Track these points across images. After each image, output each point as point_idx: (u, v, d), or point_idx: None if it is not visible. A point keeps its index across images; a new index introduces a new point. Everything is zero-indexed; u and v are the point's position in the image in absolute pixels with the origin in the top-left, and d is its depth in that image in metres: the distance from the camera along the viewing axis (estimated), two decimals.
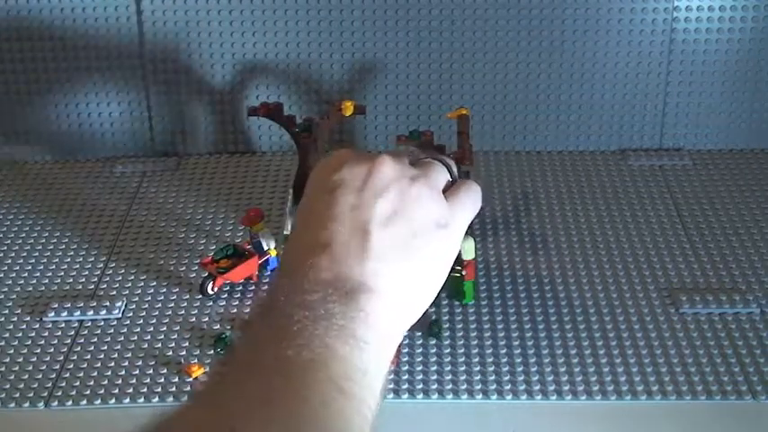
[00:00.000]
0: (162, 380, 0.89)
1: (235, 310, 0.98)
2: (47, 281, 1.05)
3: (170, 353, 0.92)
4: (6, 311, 0.99)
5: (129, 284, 1.03)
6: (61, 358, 0.92)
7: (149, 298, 1.01)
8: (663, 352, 0.91)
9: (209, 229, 1.14)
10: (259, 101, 1.25)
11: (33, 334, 0.95)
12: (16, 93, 1.29)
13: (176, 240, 1.11)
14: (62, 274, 1.06)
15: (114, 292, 1.02)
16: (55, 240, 1.12)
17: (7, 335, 0.95)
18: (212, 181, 1.25)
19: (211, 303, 0.99)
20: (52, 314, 0.98)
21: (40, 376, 0.89)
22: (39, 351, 0.93)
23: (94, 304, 0.99)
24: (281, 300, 0.45)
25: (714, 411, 0.85)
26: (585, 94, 1.29)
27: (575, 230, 1.12)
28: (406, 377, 0.89)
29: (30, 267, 1.07)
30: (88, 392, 0.87)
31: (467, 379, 0.88)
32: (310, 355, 0.41)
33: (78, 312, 0.98)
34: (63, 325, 0.97)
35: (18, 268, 1.07)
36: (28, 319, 0.98)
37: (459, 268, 0.97)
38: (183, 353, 0.92)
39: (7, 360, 0.92)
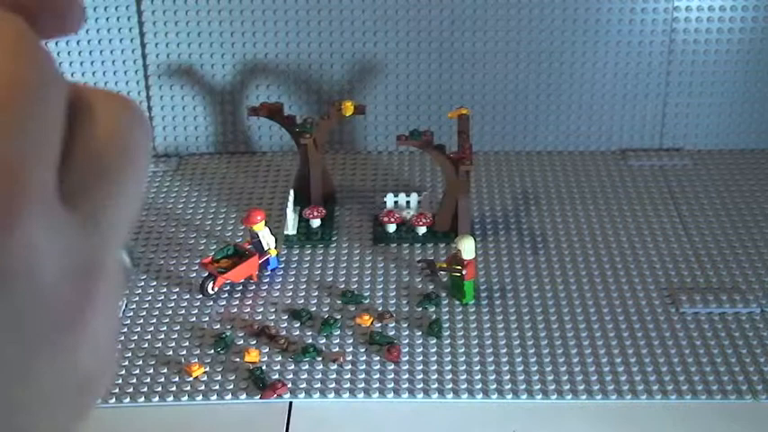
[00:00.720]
0: (162, 379, 0.89)
1: (235, 310, 0.99)
2: None
3: (170, 352, 0.92)
4: None
5: (130, 284, 1.03)
6: None
7: (149, 298, 1.01)
8: (663, 351, 0.91)
9: (209, 229, 1.14)
10: (259, 101, 1.25)
11: None
12: None
13: (176, 240, 1.11)
14: None
15: None
16: None
17: None
18: (212, 181, 1.25)
19: (211, 303, 0.99)
20: None
21: None
22: None
23: None
24: None
25: (714, 411, 0.85)
26: (585, 94, 1.29)
27: (575, 230, 1.12)
28: (406, 377, 0.89)
29: None
30: None
31: (467, 379, 0.89)
32: None
33: None
34: None
35: None
36: None
37: (459, 268, 0.97)
38: (184, 352, 0.92)
39: None
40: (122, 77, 1.28)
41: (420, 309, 0.98)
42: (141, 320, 0.97)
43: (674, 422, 0.84)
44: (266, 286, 1.02)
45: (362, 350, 0.92)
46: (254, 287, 1.02)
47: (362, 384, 0.88)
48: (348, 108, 1.13)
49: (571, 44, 1.26)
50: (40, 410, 0.21)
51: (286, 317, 0.98)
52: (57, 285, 0.19)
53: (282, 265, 1.06)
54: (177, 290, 1.02)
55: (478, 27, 1.26)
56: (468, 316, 0.97)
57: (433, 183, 1.23)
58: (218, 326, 0.96)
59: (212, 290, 1.00)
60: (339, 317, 0.97)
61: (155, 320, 0.97)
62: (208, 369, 0.90)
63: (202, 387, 0.88)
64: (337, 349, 0.93)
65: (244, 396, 0.87)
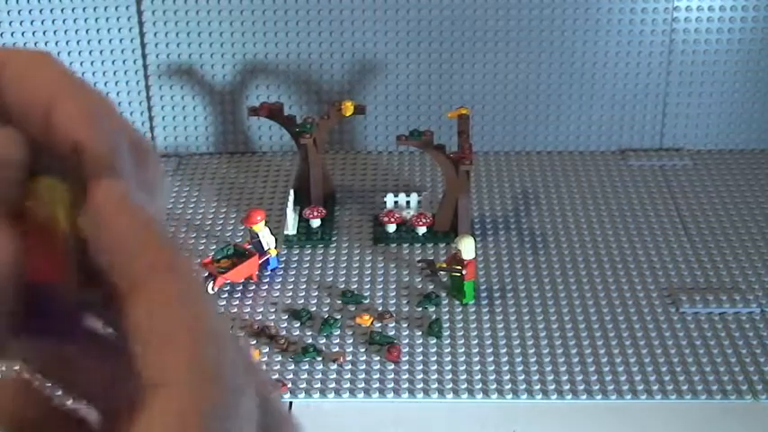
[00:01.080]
0: None
1: (235, 310, 0.98)
2: None
3: None
4: None
5: None
6: None
7: None
8: (663, 351, 0.91)
9: (209, 229, 1.14)
10: (259, 101, 1.25)
11: None
12: None
13: (176, 240, 1.11)
14: None
15: None
16: None
17: None
18: (212, 181, 1.25)
19: None
20: None
21: None
22: None
23: None
24: None
25: (714, 411, 0.85)
26: (585, 95, 1.29)
27: (575, 230, 1.12)
28: (406, 377, 0.89)
29: None
30: None
31: (467, 379, 0.89)
32: None
33: None
34: None
35: None
36: None
37: (459, 268, 0.97)
38: None
39: None
40: (122, 77, 1.28)
41: (420, 309, 0.98)
42: None
43: (674, 422, 0.84)
44: (266, 286, 1.02)
45: (362, 350, 0.92)
46: (254, 287, 1.02)
47: (362, 384, 0.88)
48: (348, 108, 1.13)
49: (571, 44, 1.26)
50: None
51: (286, 317, 0.98)
52: None
53: (282, 265, 1.06)
54: None
55: (478, 27, 1.26)
56: (468, 316, 0.97)
57: (433, 183, 1.23)
58: None
59: (212, 290, 1.00)
60: (339, 317, 0.97)
61: None
62: None
63: None
64: (337, 349, 0.93)
65: None
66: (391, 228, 1.10)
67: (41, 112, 0.24)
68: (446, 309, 0.98)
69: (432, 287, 1.02)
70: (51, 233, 0.23)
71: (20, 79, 0.24)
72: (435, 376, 0.89)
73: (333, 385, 0.88)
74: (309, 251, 1.09)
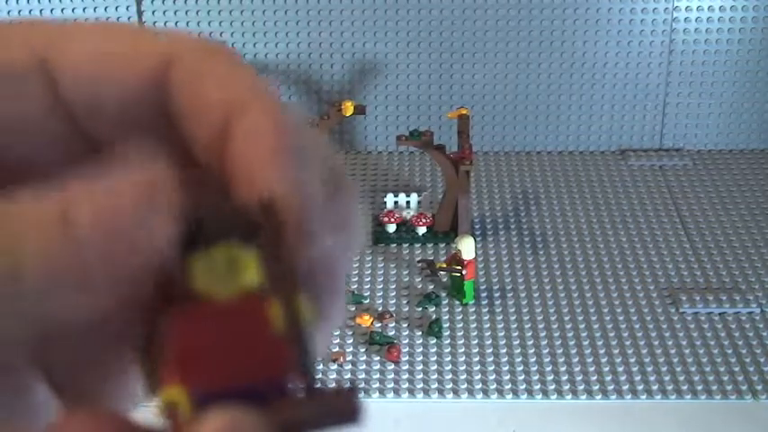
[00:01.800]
0: None
1: None
2: None
3: None
4: None
5: None
6: None
7: None
8: (663, 351, 0.91)
9: None
10: None
11: None
12: None
13: None
14: None
15: None
16: None
17: None
18: None
19: None
20: None
21: None
22: None
23: None
24: None
25: (714, 411, 0.85)
26: (585, 95, 1.29)
27: (575, 230, 1.12)
28: (406, 377, 0.89)
29: None
30: None
31: (467, 379, 0.89)
32: None
33: None
34: None
35: None
36: None
37: (459, 268, 0.97)
38: None
39: None
40: None
41: (420, 309, 0.98)
42: None
43: (673, 422, 0.84)
44: None
45: (362, 350, 0.92)
46: None
47: (362, 384, 0.88)
48: (348, 108, 1.13)
49: (571, 44, 1.26)
50: None
51: None
52: None
53: None
54: None
55: (478, 27, 1.26)
56: (468, 316, 0.97)
57: (433, 183, 1.23)
58: None
59: None
60: None
61: None
62: None
63: None
64: (337, 349, 0.93)
65: None
66: (391, 228, 1.10)
67: (214, 130, 0.17)
68: (446, 309, 0.98)
69: (432, 287, 1.02)
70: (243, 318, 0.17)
71: (190, 83, 0.18)
72: (435, 376, 0.89)
73: (333, 385, 0.88)
74: None
